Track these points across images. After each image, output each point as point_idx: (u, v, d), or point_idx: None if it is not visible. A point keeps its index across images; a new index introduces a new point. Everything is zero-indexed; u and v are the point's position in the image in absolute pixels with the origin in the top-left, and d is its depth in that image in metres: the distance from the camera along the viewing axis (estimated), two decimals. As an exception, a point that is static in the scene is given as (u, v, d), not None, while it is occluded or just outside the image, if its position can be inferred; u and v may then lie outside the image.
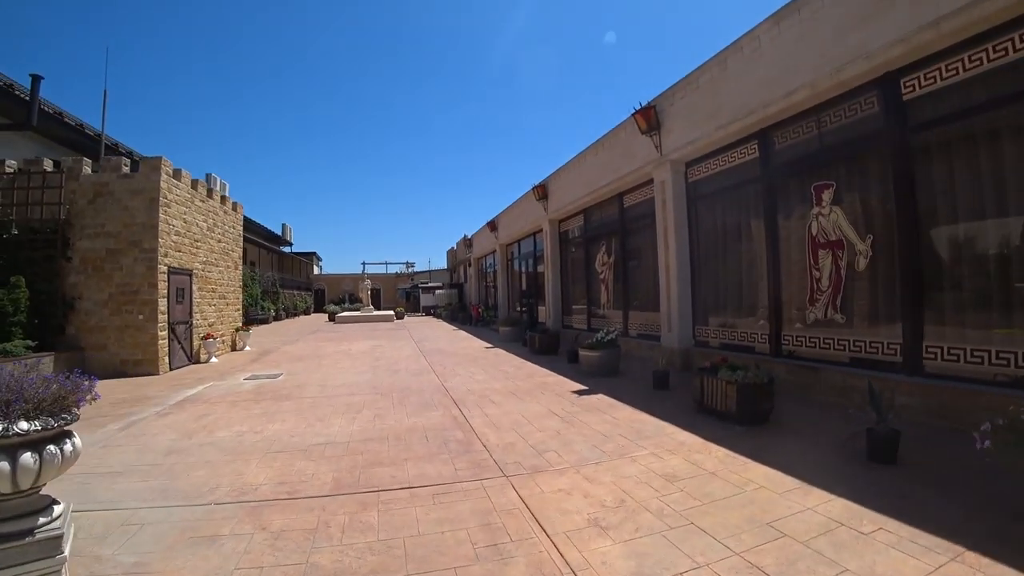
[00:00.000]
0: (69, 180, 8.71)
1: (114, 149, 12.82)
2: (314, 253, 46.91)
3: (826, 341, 5.83)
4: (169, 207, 9.16)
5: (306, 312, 36.60)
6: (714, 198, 7.83)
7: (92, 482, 3.85)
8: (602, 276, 11.59)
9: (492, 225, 20.63)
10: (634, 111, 8.30)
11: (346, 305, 35.81)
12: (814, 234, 6.02)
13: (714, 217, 7.86)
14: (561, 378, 7.76)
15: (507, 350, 11.75)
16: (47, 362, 7.74)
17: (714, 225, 7.87)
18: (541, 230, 15.08)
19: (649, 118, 8.21)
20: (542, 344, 10.77)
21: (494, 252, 21.67)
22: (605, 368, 7.77)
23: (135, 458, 4.37)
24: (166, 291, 9.01)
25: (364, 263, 55.55)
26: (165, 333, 8.96)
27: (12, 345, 7.30)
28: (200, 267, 10.66)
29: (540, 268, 15.79)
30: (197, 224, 10.50)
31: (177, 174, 9.59)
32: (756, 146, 6.91)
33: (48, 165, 8.75)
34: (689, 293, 8.12)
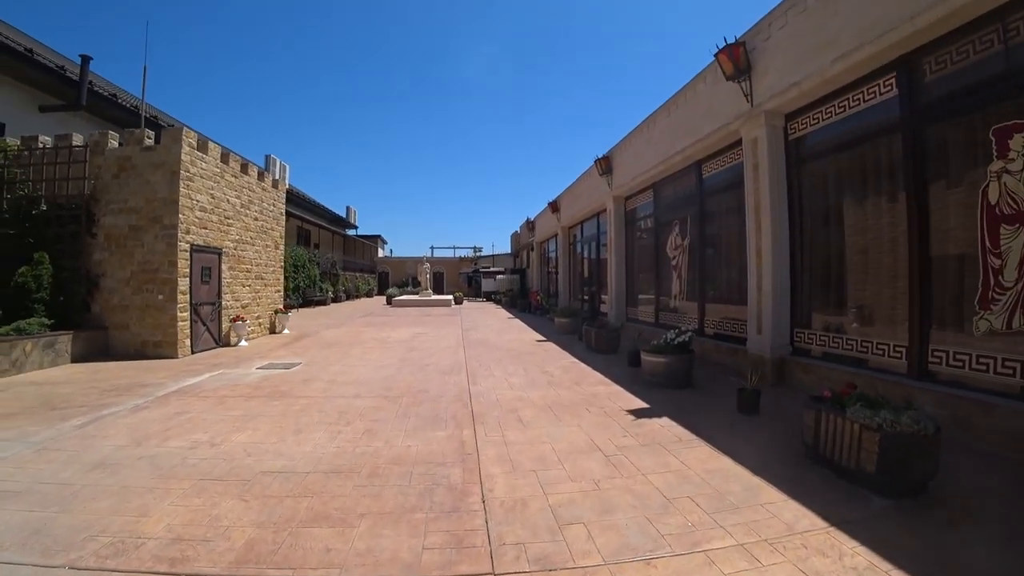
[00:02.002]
0: (94, 155, 8.29)
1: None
2: (379, 236, 47.58)
3: (1008, 364, 3.87)
4: (192, 181, 8.52)
5: (368, 294, 37.03)
6: (826, 158, 5.86)
7: (-27, 507, 2.95)
8: (674, 262, 9.76)
9: (554, 206, 19.03)
10: (717, 51, 6.44)
11: (408, 288, 35.81)
12: (992, 202, 4.02)
13: (826, 183, 5.91)
14: (616, 388, 6.22)
15: (560, 345, 10.30)
16: (64, 341, 7.35)
17: (825, 194, 5.91)
18: (605, 209, 13.33)
19: (737, 58, 6.32)
20: (599, 341, 9.21)
21: (556, 236, 20.11)
22: (673, 378, 6.13)
23: (53, 472, 3.48)
24: (188, 270, 8.42)
25: (432, 247, 56.17)
26: (186, 314, 8.40)
27: (27, 323, 6.93)
28: (232, 246, 10.09)
29: (603, 253, 14.10)
30: (228, 200, 9.90)
31: (203, 146, 8.95)
32: (893, 81, 4.90)
33: (78, 140, 8.36)
34: (787, 285, 6.23)
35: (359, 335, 12.08)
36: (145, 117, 11.24)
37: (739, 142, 7.04)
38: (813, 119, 5.96)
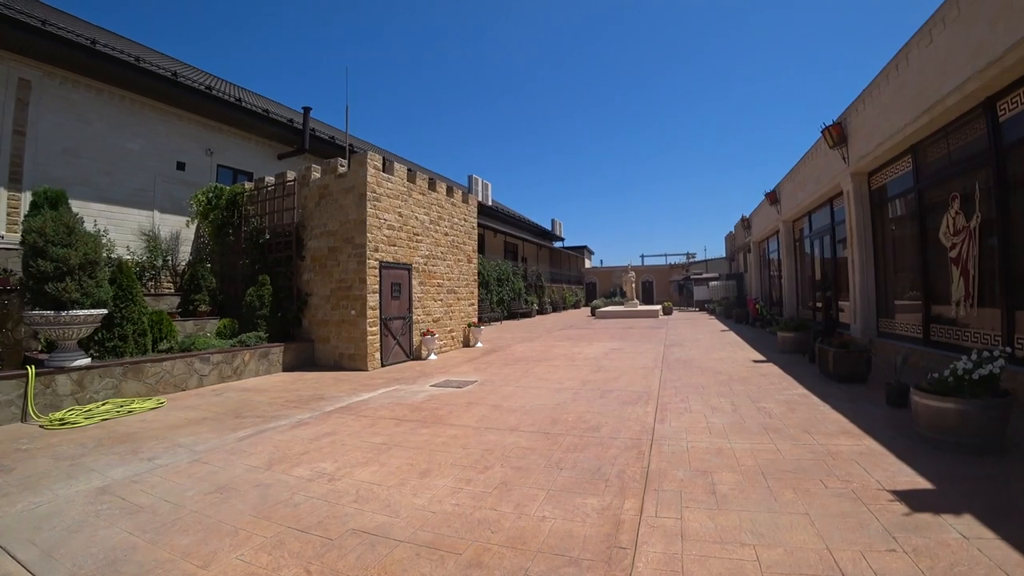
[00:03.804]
0: (302, 187, 9.70)
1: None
2: (585, 247, 47.92)
3: None
4: (379, 201, 9.20)
5: (575, 306, 37.31)
6: None
7: (104, 515, 3.20)
8: (953, 253, 6.61)
9: (772, 197, 15.84)
10: None
11: (615, 299, 34.84)
12: None
13: None
14: (869, 443, 4.10)
15: (783, 368, 7.96)
16: (276, 352, 8.59)
17: None
18: (840, 192, 10.30)
19: None
20: (839, 364, 6.69)
21: (776, 232, 16.70)
22: (971, 436, 3.75)
23: (182, 489, 3.64)
24: (377, 286, 9.06)
25: (642, 255, 54.37)
26: (376, 329, 9.02)
27: (247, 336, 8.34)
28: (422, 261, 10.67)
29: (841, 249, 10.92)
30: (416, 218, 10.50)
31: (389, 168, 9.68)
32: None
33: (291, 176, 9.91)
34: None
35: (549, 350, 11.56)
36: (354, 150, 13.00)
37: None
38: None
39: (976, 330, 6.21)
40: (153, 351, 7.43)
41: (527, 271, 28.06)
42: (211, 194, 10.36)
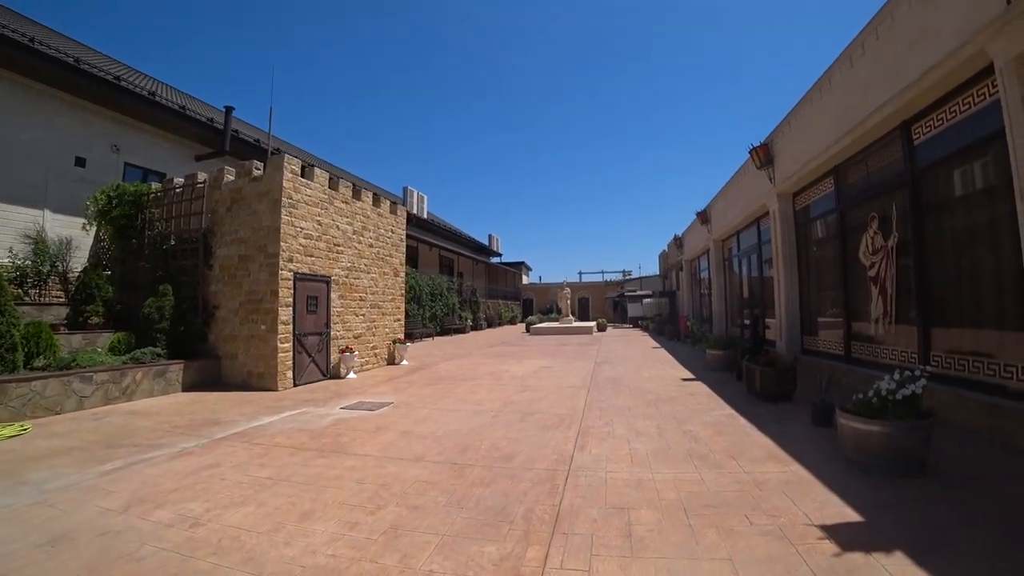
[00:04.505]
0: (212, 190, 9.00)
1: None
2: (523, 263, 48.24)
3: None
4: (296, 208, 8.65)
5: (512, 322, 37.31)
6: None
7: None
8: (872, 272, 7.09)
9: (703, 216, 16.58)
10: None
11: (552, 315, 35.16)
12: None
13: None
14: (796, 469, 4.11)
15: (711, 387, 8.13)
16: (175, 370, 7.78)
17: None
18: (767, 212, 10.83)
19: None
20: (766, 383, 6.88)
21: (707, 251, 17.46)
22: (898, 458, 3.82)
23: (7, 540, 3.03)
24: (291, 299, 8.48)
25: (580, 272, 55.42)
26: (288, 345, 8.41)
27: (141, 352, 7.51)
28: (343, 273, 10.13)
29: (767, 268, 11.49)
30: (338, 227, 9.99)
31: (308, 173, 9.16)
32: None
33: (201, 178, 9.17)
34: None
35: (476, 368, 11.29)
36: (278, 153, 12.29)
37: (983, 73, 4.65)
38: None
39: (894, 347, 6.56)
40: (25, 368, 6.48)
41: (462, 286, 27.72)
42: (112, 194, 9.34)
